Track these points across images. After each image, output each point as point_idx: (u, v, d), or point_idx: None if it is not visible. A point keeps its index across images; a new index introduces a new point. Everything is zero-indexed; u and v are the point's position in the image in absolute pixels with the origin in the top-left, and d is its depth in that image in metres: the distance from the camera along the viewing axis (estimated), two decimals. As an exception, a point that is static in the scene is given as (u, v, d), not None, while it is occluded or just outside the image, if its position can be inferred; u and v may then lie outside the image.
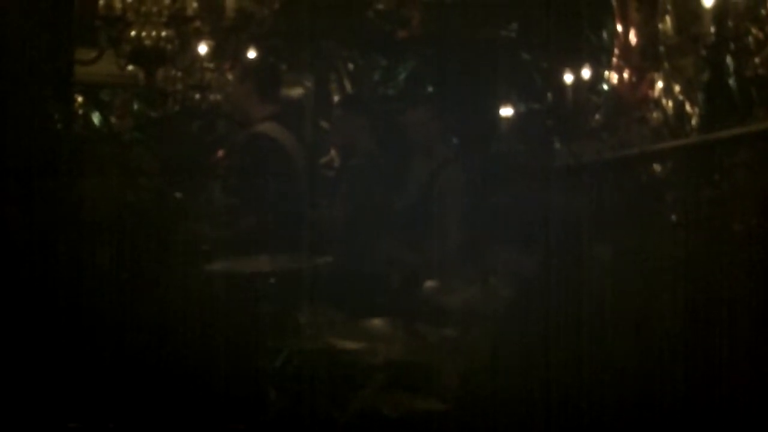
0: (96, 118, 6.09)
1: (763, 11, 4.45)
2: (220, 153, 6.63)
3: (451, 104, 7.32)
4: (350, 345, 5.03)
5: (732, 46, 4.66)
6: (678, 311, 4.61)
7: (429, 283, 5.58)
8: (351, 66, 8.05)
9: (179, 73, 5.88)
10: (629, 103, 6.04)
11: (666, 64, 5.54)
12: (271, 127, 5.85)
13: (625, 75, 6.06)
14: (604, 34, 6.59)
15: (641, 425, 4.55)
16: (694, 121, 5.33)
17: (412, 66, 8.09)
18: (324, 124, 7.92)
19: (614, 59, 6.21)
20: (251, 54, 6.50)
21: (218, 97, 6.31)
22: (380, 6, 7.65)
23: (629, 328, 4.78)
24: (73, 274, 4.23)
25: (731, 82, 4.87)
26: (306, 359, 5.09)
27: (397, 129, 6.57)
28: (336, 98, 8.04)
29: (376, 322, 5.14)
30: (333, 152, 7.86)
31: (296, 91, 7.79)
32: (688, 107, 5.37)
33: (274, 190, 5.61)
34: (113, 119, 6.15)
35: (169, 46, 4.69)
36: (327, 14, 7.64)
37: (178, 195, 5.48)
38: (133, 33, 4.65)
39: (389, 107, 7.61)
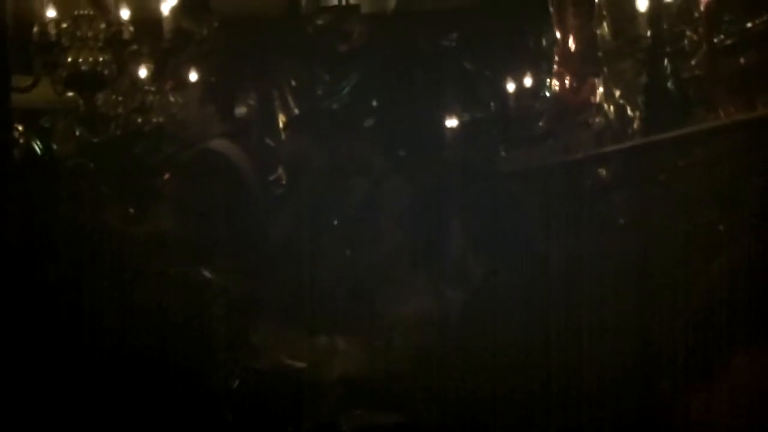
0: (37, 144, 6.05)
1: (696, 13, 4.49)
2: (167, 176, 6.60)
3: (396, 116, 7.33)
4: (304, 362, 5.02)
5: (668, 48, 4.70)
6: (628, 312, 4.64)
7: (378, 295, 5.59)
8: (294, 82, 8.04)
9: (119, 97, 5.86)
10: (572, 108, 6.08)
11: (605, 69, 5.58)
12: (221, 144, 5.83)
13: (567, 81, 6.09)
14: (544, 41, 6.63)
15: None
16: (635, 124, 5.36)
17: (355, 79, 8.09)
18: (270, 142, 7.89)
19: (555, 66, 6.25)
20: (192, 75, 6.49)
21: (161, 119, 6.28)
22: (320, 21, 7.65)
23: (579, 329, 4.81)
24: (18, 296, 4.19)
25: (669, 84, 4.90)
26: (259, 378, 5.07)
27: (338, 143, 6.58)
28: (281, 115, 8.03)
29: (329, 338, 5.13)
30: (280, 170, 7.83)
31: (240, 110, 7.78)
32: (629, 110, 5.41)
33: (223, 206, 5.59)
34: (55, 145, 6.11)
35: (107, 71, 4.65)
36: (267, 31, 7.64)
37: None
38: (69, 58, 4.61)
39: (334, 122, 7.62)
